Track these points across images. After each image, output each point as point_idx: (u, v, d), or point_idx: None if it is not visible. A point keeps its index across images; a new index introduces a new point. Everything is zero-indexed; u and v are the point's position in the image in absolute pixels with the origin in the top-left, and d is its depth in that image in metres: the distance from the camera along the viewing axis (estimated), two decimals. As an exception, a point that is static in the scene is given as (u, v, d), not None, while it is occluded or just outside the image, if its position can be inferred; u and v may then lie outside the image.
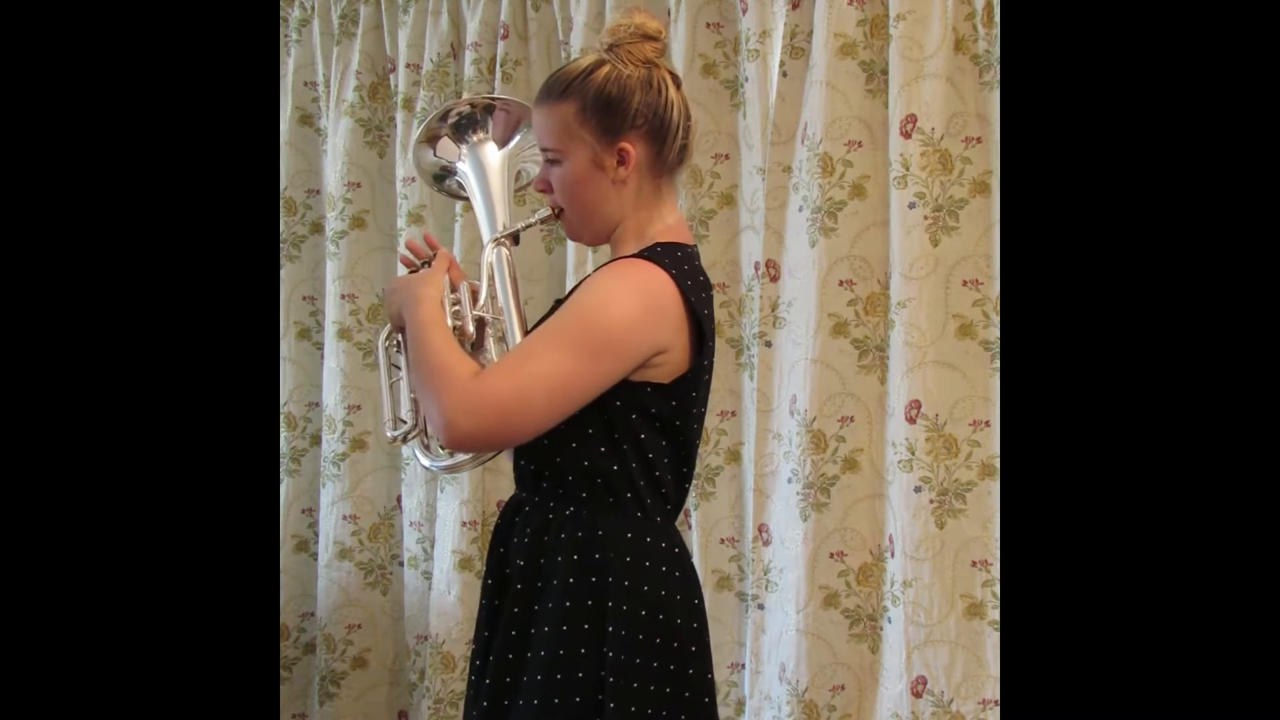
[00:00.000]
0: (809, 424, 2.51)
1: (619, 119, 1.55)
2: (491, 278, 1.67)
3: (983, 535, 2.43)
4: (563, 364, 1.47)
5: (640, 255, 1.54)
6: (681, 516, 2.69)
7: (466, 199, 1.81)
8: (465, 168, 1.79)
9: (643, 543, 1.55)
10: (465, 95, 2.80)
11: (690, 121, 1.60)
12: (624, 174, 1.56)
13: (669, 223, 1.60)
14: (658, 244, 1.56)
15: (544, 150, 1.61)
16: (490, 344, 1.62)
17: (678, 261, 1.54)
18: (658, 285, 1.51)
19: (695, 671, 1.55)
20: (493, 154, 1.78)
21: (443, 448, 1.59)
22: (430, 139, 1.82)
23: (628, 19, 1.57)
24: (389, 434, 1.66)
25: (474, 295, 1.66)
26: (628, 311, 1.49)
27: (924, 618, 2.42)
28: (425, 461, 1.67)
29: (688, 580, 1.58)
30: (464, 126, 1.80)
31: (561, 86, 1.57)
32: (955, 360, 2.44)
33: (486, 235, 1.73)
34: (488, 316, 1.64)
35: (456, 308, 1.63)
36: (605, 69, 1.55)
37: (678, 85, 1.59)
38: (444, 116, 1.82)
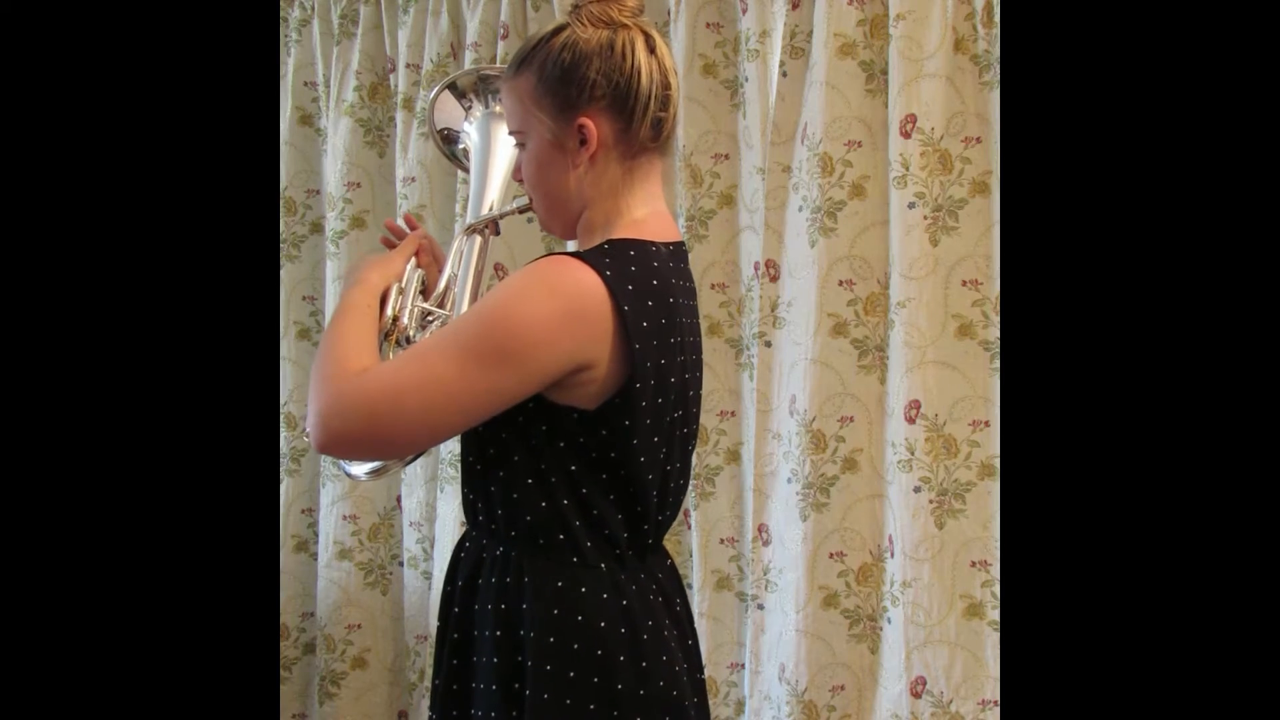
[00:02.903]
0: (808, 424, 2.51)
1: (575, 91, 1.33)
2: (457, 268, 1.51)
3: (982, 535, 2.43)
4: (450, 368, 1.25)
5: (577, 254, 1.32)
6: (681, 516, 2.71)
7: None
8: (471, 129, 1.63)
9: (575, 594, 1.34)
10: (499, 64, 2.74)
11: (669, 91, 1.36)
12: (586, 155, 1.35)
13: (636, 216, 1.38)
14: (608, 242, 1.35)
15: (511, 134, 1.42)
16: None
17: (623, 263, 1.31)
18: (583, 289, 1.28)
19: None
20: (505, 132, 1.58)
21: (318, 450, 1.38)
22: (445, 89, 1.65)
23: None
24: (307, 427, 1.42)
25: (432, 287, 1.50)
26: (536, 316, 1.26)
27: (923, 618, 2.42)
28: (351, 470, 1.48)
29: (635, 638, 1.35)
30: (484, 88, 1.64)
31: (519, 59, 1.38)
32: (955, 360, 2.44)
33: (469, 217, 1.59)
34: (438, 312, 1.48)
35: (404, 298, 1.46)
36: (564, 34, 1.35)
37: (651, 49, 1.36)
38: (470, 72, 1.68)
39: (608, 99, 1.34)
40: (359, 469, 1.48)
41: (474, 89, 1.65)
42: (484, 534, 1.41)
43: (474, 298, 1.49)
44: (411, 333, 1.46)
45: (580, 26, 1.34)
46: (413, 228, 1.60)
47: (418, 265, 1.52)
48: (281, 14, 3.06)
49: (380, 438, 1.29)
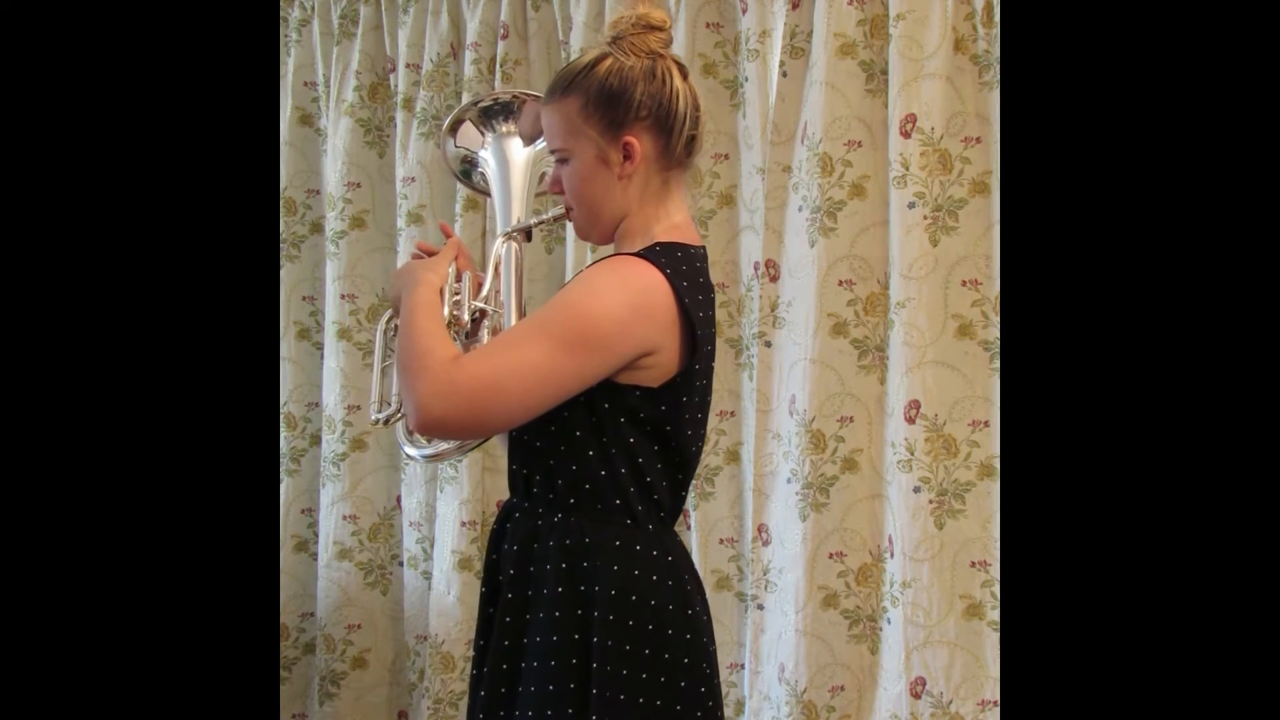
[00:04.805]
0: (808, 424, 2.51)
1: (622, 112, 1.51)
2: (497, 271, 1.65)
3: (982, 536, 2.43)
4: (541, 355, 1.43)
5: (638, 254, 1.51)
6: (681, 517, 2.70)
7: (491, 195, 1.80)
8: (487, 155, 1.78)
9: (631, 551, 1.51)
10: (499, 89, 2.80)
11: (699, 112, 1.56)
12: (630, 169, 1.53)
13: (674, 221, 1.57)
14: (658, 243, 1.53)
15: (553, 151, 1.59)
16: (485, 336, 1.61)
17: (676, 262, 1.50)
18: (650, 284, 1.47)
19: (688, 684, 1.50)
20: (517, 149, 1.77)
21: (413, 432, 1.55)
22: (456, 124, 1.80)
23: (630, 10, 1.54)
24: (373, 416, 1.64)
25: (478, 286, 1.64)
26: (614, 308, 1.45)
27: (923, 618, 2.42)
28: (410, 450, 1.63)
29: (680, 589, 1.54)
30: (491, 115, 1.79)
31: (565, 83, 1.55)
32: (954, 360, 2.44)
33: (500, 228, 1.72)
34: (488, 309, 1.62)
35: (457, 296, 1.60)
36: (607, 62, 1.52)
37: (684, 75, 1.55)
38: (474, 104, 1.82)
39: (651, 118, 1.52)
40: (418, 451, 1.61)
41: (479, 120, 1.81)
42: (538, 504, 1.55)
43: (518, 297, 1.65)
44: (468, 328, 1.61)
45: (624, 55, 1.52)
46: (448, 235, 1.74)
47: (458, 268, 1.65)
48: (281, 14, 3.07)
49: (480, 417, 1.44)
